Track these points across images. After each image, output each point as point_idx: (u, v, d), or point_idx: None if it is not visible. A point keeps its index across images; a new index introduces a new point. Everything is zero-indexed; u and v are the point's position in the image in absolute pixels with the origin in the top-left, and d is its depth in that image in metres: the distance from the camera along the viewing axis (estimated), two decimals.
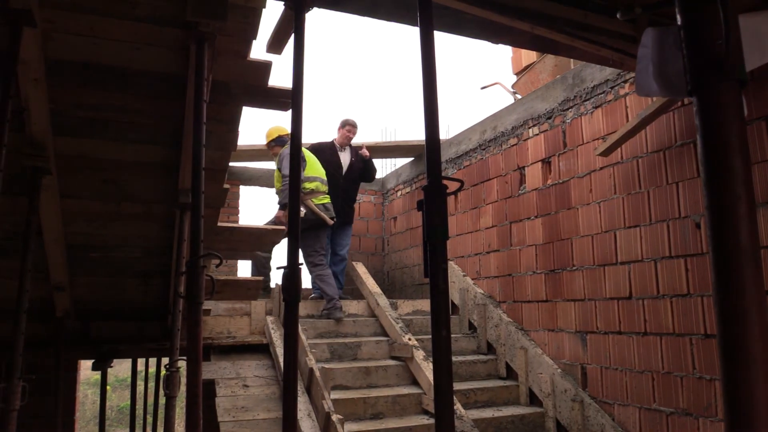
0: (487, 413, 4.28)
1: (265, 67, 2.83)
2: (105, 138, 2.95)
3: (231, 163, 5.41)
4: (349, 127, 6.22)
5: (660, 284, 3.51)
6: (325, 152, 6.10)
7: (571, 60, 5.12)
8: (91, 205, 3.28)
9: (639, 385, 3.63)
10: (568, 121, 4.36)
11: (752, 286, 0.60)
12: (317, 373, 4.00)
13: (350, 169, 6.24)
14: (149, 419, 5.19)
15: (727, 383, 0.59)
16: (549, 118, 4.58)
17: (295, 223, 2.00)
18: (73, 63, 2.61)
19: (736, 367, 0.59)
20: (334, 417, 3.54)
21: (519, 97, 6.32)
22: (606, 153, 3.84)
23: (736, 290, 0.59)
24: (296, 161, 2.09)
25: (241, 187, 7.11)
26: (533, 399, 4.52)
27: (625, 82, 3.87)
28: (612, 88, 3.97)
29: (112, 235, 3.52)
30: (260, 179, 7.10)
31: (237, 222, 6.70)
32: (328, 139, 6.44)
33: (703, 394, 3.22)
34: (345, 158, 6.24)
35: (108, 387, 5.76)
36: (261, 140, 6.25)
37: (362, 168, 6.34)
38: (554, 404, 4.24)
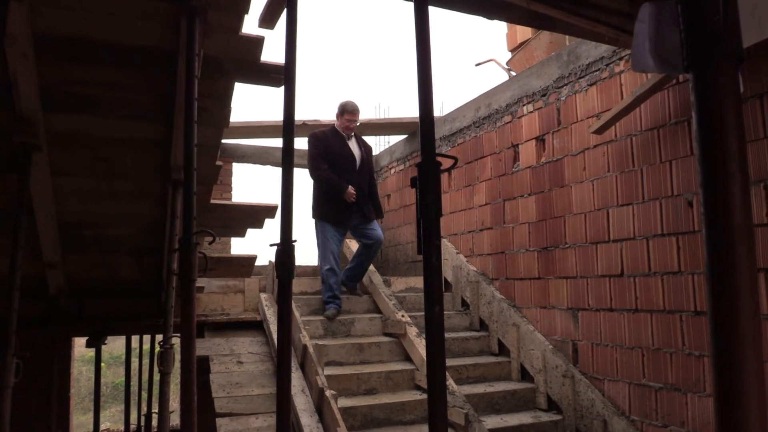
0: (479, 389, 4.33)
1: (257, 43, 2.80)
2: (96, 114, 2.92)
3: (223, 140, 5.38)
4: (348, 116, 5.28)
5: (651, 262, 3.54)
6: (331, 141, 5.24)
7: (567, 37, 5.09)
8: (83, 182, 3.25)
9: (629, 361, 3.68)
10: (563, 98, 4.35)
11: (745, 264, 0.60)
12: (311, 350, 4.02)
13: (362, 162, 5.37)
14: (144, 395, 5.22)
15: (718, 360, 0.60)
16: (543, 95, 4.56)
17: (289, 200, 2.00)
18: (62, 38, 2.56)
19: (726, 343, 0.59)
20: (328, 393, 3.57)
21: (514, 74, 6.28)
22: (600, 131, 3.83)
23: (728, 267, 0.59)
24: (290, 136, 2.07)
25: (234, 164, 7.07)
26: (525, 375, 4.58)
27: (620, 59, 3.84)
28: (607, 65, 3.95)
29: (104, 213, 3.50)
30: (253, 156, 7.06)
31: (230, 199, 6.68)
32: (328, 125, 5.82)
33: (692, 369, 3.26)
34: (356, 150, 5.35)
35: (103, 364, 5.78)
36: (253, 117, 6.15)
37: (369, 160, 5.54)
38: (545, 380, 4.29)
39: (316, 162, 5.12)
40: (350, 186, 5.10)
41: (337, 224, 5.19)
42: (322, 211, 5.23)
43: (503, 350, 4.85)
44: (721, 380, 0.59)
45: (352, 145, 5.35)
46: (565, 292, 4.25)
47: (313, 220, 5.37)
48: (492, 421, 3.99)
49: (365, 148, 5.50)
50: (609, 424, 3.72)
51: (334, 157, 5.15)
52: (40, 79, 2.63)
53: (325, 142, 5.19)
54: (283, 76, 2.15)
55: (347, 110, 5.27)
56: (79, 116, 2.90)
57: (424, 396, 4.08)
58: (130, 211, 3.53)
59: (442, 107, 12.42)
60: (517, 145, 4.86)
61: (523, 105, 4.80)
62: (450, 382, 4.08)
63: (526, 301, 4.68)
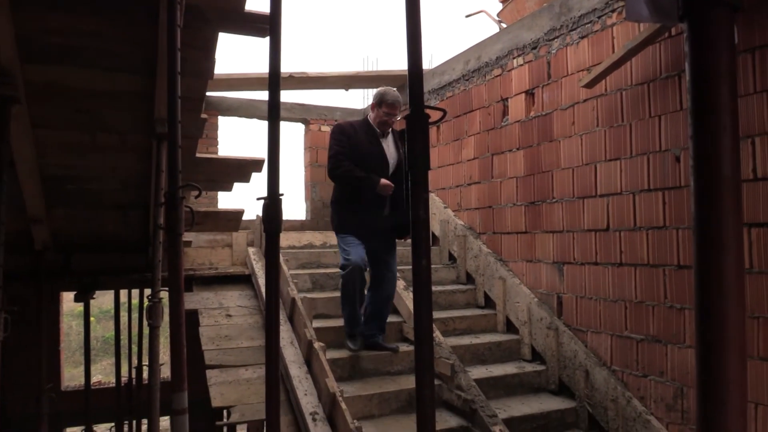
0: (465, 340, 4.42)
1: None
2: (76, 65, 2.84)
3: (208, 93, 5.28)
4: (387, 108, 3.96)
5: (637, 216, 3.57)
6: (359, 137, 3.99)
7: None
8: (65, 135, 3.19)
9: (612, 314, 3.76)
10: (554, 51, 4.29)
11: (731, 216, 0.60)
12: (299, 303, 4.06)
13: (399, 166, 4.08)
14: (134, 349, 5.28)
15: (701, 310, 0.60)
16: (534, 48, 4.50)
17: (276, 153, 1.97)
18: None
19: (710, 294, 0.60)
20: (317, 345, 3.62)
21: (504, 26, 6.17)
22: (590, 84, 3.80)
23: (715, 219, 0.59)
24: (276, 89, 2.02)
25: (220, 117, 6.96)
26: (510, 327, 4.67)
27: (612, 11, 3.78)
28: (599, 17, 3.89)
29: (88, 167, 3.46)
30: (239, 110, 6.95)
31: (216, 153, 6.61)
32: (358, 117, 5.22)
33: (673, 322, 3.34)
34: (390, 150, 4.08)
35: (92, 318, 5.81)
36: (239, 69, 5.97)
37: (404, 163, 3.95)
38: (530, 332, 4.38)
39: (336, 160, 3.95)
40: (382, 179, 3.89)
41: (360, 237, 3.99)
42: (343, 223, 4.03)
43: (489, 303, 4.93)
44: (703, 330, 0.60)
45: (387, 145, 4.08)
46: (551, 246, 4.30)
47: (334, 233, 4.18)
48: (477, 371, 4.08)
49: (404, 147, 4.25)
50: (591, 374, 3.82)
51: (359, 157, 3.93)
52: (17, 28, 2.54)
53: (351, 137, 3.97)
54: (269, 26, 2.09)
55: (386, 101, 3.97)
56: (58, 67, 2.82)
57: (411, 347, 4.16)
58: (114, 165, 3.49)
59: (431, 60, 12.24)
60: (507, 99, 4.82)
61: (513, 58, 4.74)
62: (437, 334, 4.15)
63: (512, 254, 4.73)
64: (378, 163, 3.98)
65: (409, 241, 4.00)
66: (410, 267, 1.22)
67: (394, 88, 4.09)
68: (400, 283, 4.64)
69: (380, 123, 4.01)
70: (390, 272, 4.09)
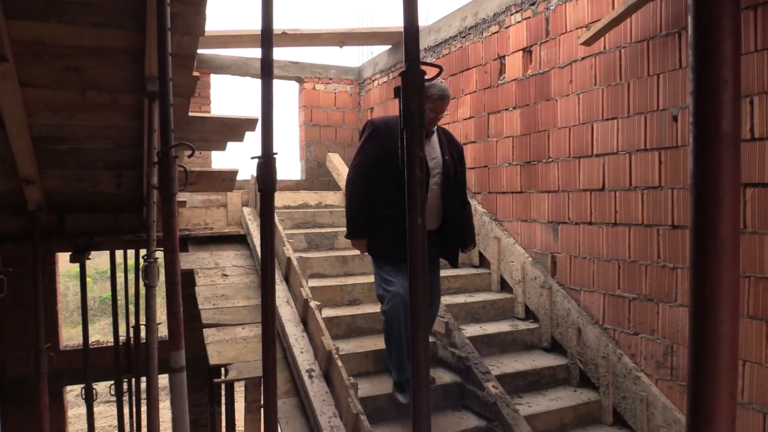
0: (460, 299, 4.46)
1: None
2: (62, 21, 2.76)
3: (200, 51, 5.17)
4: (431, 104, 3.10)
5: (633, 176, 3.57)
6: (395, 138, 2.32)
7: None
8: (54, 94, 3.13)
9: (605, 273, 3.79)
10: (552, 7, 4.20)
11: (729, 171, 0.59)
12: (295, 262, 4.08)
13: (446, 174, 3.30)
14: (131, 308, 5.31)
15: (696, 267, 0.60)
16: (533, 3, 4.40)
17: (270, 112, 1.94)
18: None
19: (706, 251, 0.60)
20: (312, 303, 3.65)
21: None
22: (589, 42, 3.74)
23: (713, 174, 0.59)
24: (268, 46, 1.98)
25: (212, 75, 6.85)
26: (504, 286, 4.71)
27: None
28: None
29: (79, 126, 3.41)
30: (231, 67, 6.83)
31: (209, 112, 6.52)
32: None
33: (665, 281, 3.37)
34: (434, 152, 3.30)
35: (89, 279, 5.83)
36: (231, 26, 5.83)
37: (460, 170, 3.46)
38: (524, 290, 4.42)
39: (357, 169, 3.26)
40: (364, 239, 3.28)
41: (395, 260, 3.25)
42: (373, 242, 3.30)
43: (484, 262, 4.96)
44: (698, 287, 0.60)
45: (432, 147, 3.31)
46: (546, 206, 4.30)
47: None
48: (471, 329, 4.14)
49: (453, 151, 3.42)
50: (583, 332, 3.88)
51: (393, 163, 2.81)
52: None
53: (385, 138, 3.17)
54: None
55: (433, 94, 3.10)
56: (45, 23, 2.75)
57: None
58: (105, 124, 3.44)
59: (427, 16, 12.02)
60: (504, 57, 4.74)
61: (511, 14, 4.64)
62: None
63: (507, 214, 4.74)
64: None
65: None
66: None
67: (442, 80, 3.38)
68: None
69: (426, 119, 3.13)
70: (434, 298, 3.49)
